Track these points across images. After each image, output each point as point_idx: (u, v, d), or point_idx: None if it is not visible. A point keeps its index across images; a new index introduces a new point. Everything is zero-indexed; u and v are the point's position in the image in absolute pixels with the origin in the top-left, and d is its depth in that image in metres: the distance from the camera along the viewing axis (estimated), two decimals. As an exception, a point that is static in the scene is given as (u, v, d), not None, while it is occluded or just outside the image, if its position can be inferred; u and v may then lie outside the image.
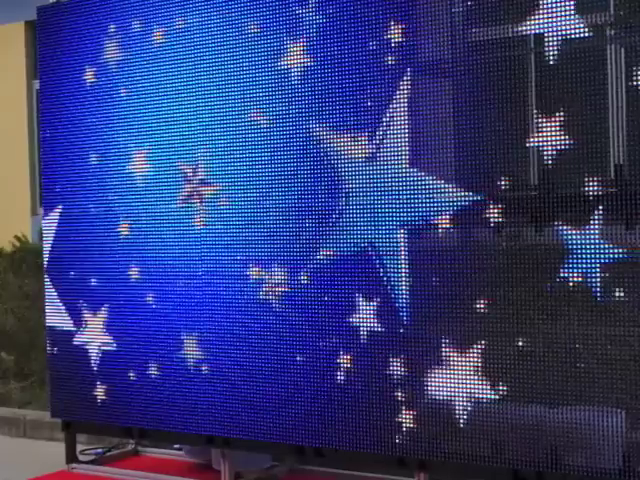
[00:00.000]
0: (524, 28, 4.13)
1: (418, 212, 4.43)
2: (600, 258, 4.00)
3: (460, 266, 4.35)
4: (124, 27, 5.47)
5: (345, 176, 4.66)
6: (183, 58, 5.25)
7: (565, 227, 4.07)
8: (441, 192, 4.37)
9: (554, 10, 4.03)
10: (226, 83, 5.07)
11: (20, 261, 9.32)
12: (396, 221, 4.50)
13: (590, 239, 4.02)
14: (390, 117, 4.49)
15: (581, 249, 4.03)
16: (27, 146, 11.59)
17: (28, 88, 11.62)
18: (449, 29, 4.37)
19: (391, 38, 4.48)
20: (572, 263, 4.06)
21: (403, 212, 4.48)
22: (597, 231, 4.01)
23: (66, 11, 5.72)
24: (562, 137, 4.04)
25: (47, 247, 5.92)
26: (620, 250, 3.99)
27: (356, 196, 4.65)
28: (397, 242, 4.50)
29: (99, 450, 6.11)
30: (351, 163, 4.64)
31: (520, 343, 4.20)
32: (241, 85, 5.02)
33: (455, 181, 4.34)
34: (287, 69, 4.86)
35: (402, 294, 4.50)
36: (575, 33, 4.00)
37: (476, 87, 4.26)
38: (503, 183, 4.20)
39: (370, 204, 4.58)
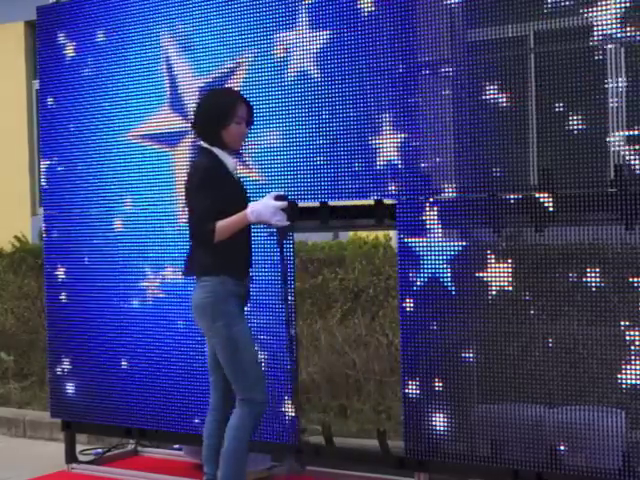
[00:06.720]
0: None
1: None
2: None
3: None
4: (122, 28, 5.48)
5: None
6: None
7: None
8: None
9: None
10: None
11: (20, 261, 9.32)
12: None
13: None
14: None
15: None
16: (27, 146, 11.60)
17: (28, 88, 11.62)
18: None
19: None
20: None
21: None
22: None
23: (66, 11, 5.73)
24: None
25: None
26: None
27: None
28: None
29: (99, 450, 6.09)
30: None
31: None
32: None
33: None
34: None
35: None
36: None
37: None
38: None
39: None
